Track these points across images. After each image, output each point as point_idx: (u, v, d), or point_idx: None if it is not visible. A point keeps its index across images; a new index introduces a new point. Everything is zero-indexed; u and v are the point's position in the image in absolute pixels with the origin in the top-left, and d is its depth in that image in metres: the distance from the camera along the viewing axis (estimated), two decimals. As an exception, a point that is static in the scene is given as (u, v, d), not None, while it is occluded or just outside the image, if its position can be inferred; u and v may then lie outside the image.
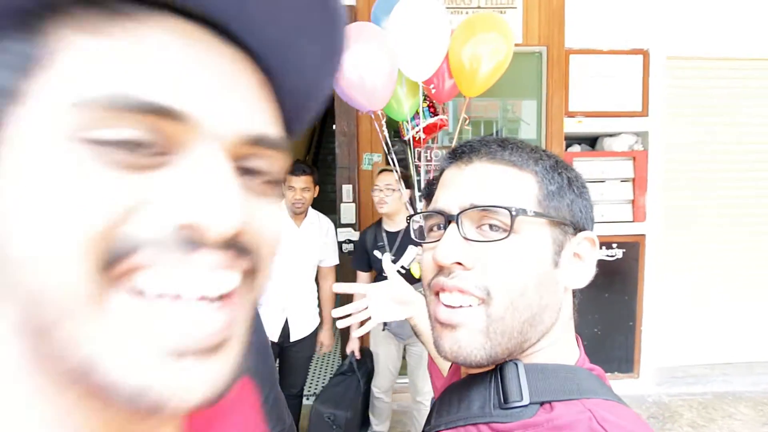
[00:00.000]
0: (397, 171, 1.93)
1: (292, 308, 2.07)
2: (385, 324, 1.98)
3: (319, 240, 2.19)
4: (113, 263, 0.20)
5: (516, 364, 0.44)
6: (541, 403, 0.42)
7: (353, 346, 2.15)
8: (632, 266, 2.91)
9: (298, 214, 2.11)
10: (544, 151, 0.48)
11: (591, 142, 3.13)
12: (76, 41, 0.20)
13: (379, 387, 2.17)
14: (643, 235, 2.90)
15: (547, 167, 0.46)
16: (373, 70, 1.59)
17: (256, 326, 0.98)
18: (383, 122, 1.92)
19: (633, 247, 2.90)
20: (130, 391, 0.21)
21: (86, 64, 0.20)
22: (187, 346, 0.21)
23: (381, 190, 1.99)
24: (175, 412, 0.21)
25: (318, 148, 7.64)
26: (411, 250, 1.88)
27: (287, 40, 0.25)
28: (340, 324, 0.81)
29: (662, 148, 2.90)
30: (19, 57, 0.20)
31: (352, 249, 2.59)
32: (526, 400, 0.42)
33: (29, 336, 0.21)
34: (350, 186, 2.71)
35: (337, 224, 2.76)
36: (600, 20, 2.81)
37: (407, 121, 1.84)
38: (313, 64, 0.26)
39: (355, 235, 2.67)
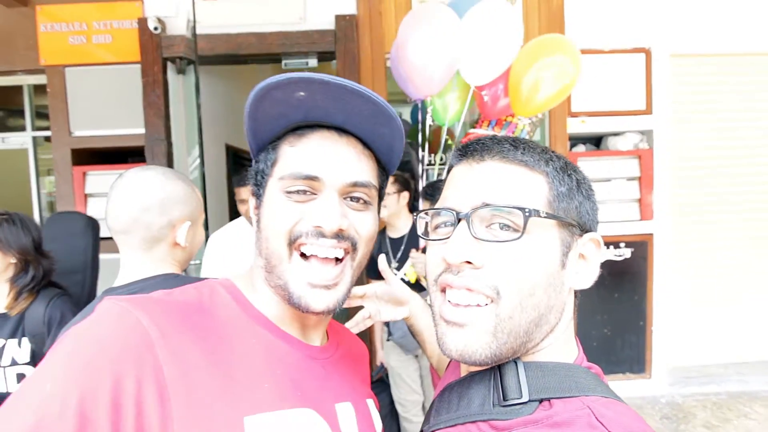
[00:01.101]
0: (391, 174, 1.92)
1: None
2: (389, 334, 1.95)
3: None
4: (293, 242, 0.51)
5: (515, 363, 0.44)
6: (540, 401, 0.42)
7: (382, 358, 2.11)
8: (641, 265, 2.89)
9: None
10: (553, 152, 0.48)
11: (596, 141, 3.12)
12: (285, 149, 0.53)
13: (401, 404, 2.04)
14: (651, 234, 2.88)
15: (558, 168, 0.45)
16: (436, 55, 1.63)
17: None
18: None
19: (641, 246, 2.88)
20: (297, 299, 0.51)
21: (287, 159, 0.52)
22: (319, 282, 0.51)
23: None
24: (316, 312, 0.52)
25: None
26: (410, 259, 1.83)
27: (376, 132, 0.53)
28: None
29: (668, 146, 2.88)
30: (272, 157, 0.54)
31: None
32: (525, 398, 0.42)
33: (267, 270, 0.53)
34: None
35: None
36: (600, 20, 2.81)
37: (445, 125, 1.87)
38: (389, 140, 0.54)
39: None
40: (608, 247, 2.89)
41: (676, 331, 3.00)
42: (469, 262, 0.43)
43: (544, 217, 0.42)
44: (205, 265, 1.84)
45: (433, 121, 1.99)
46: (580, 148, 3.00)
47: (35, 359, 1.27)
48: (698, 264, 3.04)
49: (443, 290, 0.45)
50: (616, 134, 2.93)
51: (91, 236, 1.67)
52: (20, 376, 1.27)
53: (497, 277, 0.42)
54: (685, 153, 2.97)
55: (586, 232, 0.46)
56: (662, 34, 2.80)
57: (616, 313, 2.91)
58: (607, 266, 2.89)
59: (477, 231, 0.43)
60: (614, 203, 2.88)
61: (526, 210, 0.41)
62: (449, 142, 2.11)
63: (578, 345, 0.50)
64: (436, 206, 0.47)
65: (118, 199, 0.85)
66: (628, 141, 2.88)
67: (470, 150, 0.47)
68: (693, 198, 3.00)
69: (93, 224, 1.69)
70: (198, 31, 2.71)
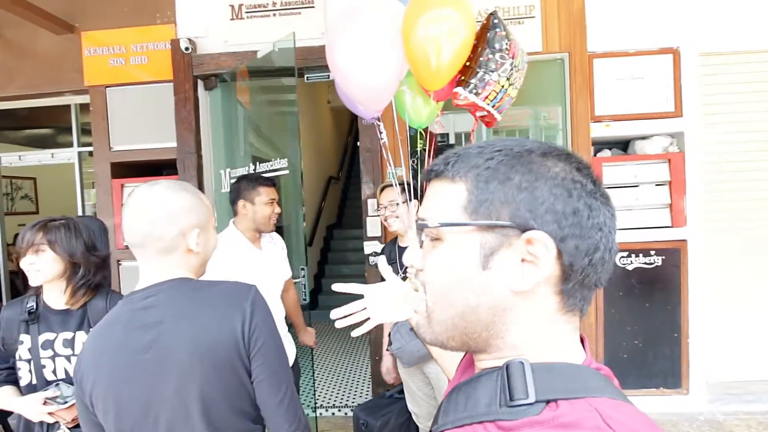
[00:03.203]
0: (397, 186, 1.84)
1: None
2: (389, 344, 1.93)
3: (281, 256, 2.10)
4: None
5: (522, 363, 0.44)
6: (547, 401, 0.42)
7: (387, 364, 2.11)
8: (674, 273, 2.75)
9: (259, 235, 1.99)
10: (498, 150, 0.47)
11: (623, 146, 3.02)
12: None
13: (416, 413, 2.01)
14: (685, 240, 2.75)
15: (480, 174, 0.46)
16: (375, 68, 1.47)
17: (274, 331, 1.04)
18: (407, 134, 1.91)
19: (673, 254, 2.75)
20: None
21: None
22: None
23: (385, 208, 1.90)
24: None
25: (351, 164, 7.83)
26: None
27: None
28: (339, 324, 0.82)
29: (700, 149, 2.76)
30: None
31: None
32: (531, 398, 0.42)
33: None
34: (375, 200, 2.77)
35: (364, 237, 2.83)
36: (624, 22, 2.74)
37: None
38: None
39: (380, 248, 2.72)
40: (638, 255, 2.78)
41: (715, 343, 2.83)
42: (413, 266, 0.52)
43: (456, 225, 0.47)
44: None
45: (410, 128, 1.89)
46: (606, 153, 2.92)
47: None
48: (737, 272, 2.86)
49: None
50: (643, 138, 2.83)
51: (105, 240, 1.80)
52: None
53: (424, 278, 0.51)
54: (719, 156, 2.83)
55: (526, 229, 0.44)
56: (690, 33, 2.71)
57: (647, 323, 2.78)
58: (638, 274, 2.78)
59: (423, 241, 0.51)
60: (643, 209, 2.78)
61: (436, 222, 0.47)
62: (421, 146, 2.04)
63: (586, 348, 0.49)
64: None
65: (131, 216, 0.91)
66: (657, 144, 2.77)
67: (426, 173, 0.54)
68: (728, 202, 2.85)
69: (105, 228, 1.82)
70: (225, 50, 2.86)
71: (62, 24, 2.86)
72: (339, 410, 2.88)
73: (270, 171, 2.62)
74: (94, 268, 1.43)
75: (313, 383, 2.72)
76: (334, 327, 2.31)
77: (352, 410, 2.17)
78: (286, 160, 2.57)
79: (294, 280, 2.32)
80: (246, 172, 2.68)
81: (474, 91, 1.54)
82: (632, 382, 2.78)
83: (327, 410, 3.12)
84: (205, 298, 0.93)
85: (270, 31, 2.81)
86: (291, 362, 2.03)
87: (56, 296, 1.41)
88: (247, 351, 0.93)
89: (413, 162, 2.73)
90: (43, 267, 1.35)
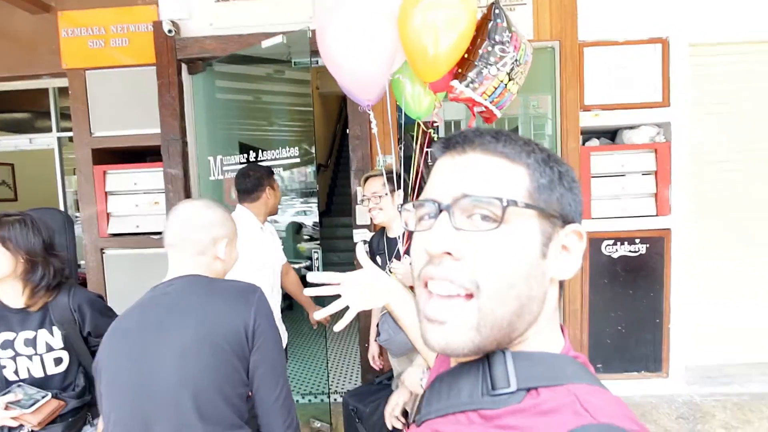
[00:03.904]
0: (384, 175, 1.80)
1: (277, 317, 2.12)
2: (378, 334, 1.93)
3: (277, 242, 2.27)
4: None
5: (504, 353, 0.45)
6: (528, 389, 0.43)
7: (373, 351, 2.14)
8: (657, 261, 2.81)
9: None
10: (536, 144, 0.48)
11: (611, 135, 3.05)
12: None
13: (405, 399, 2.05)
14: (669, 229, 2.80)
15: (539, 160, 0.46)
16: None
17: (275, 330, 1.06)
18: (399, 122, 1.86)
19: (657, 242, 2.81)
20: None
21: None
22: None
23: (369, 199, 1.87)
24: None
25: (339, 151, 7.76)
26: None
27: None
28: (308, 292, 0.80)
29: (686, 139, 2.79)
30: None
31: (367, 251, 2.64)
32: (513, 387, 0.43)
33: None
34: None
35: (353, 226, 2.82)
36: (615, 11, 2.73)
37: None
38: None
39: (369, 237, 2.71)
40: (623, 243, 2.83)
41: (694, 329, 2.92)
42: (448, 253, 0.43)
43: (523, 207, 0.43)
44: None
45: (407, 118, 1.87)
46: (594, 142, 2.94)
47: (67, 343, 1.39)
48: (718, 260, 2.94)
49: (426, 284, 0.46)
50: (631, 128, 2.86)
51: (71, 232, 1.72)
52: (57, 360, 1.38)
53: (477, 268, 0.42)
54: (705, 147, 2.87)
55: (569, 223, 0.46)
56: (680, 23, 2.71)
57: (630, 310, 2.84)
58: (622, 262, 2.83)
59: (457, 221, 0.43)
60: (629, 198, 2.81)
61: (504, 200, 0.42)
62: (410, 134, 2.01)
63: (565, 336, 0.50)
64: (420, 198, 0.48)
65: (174, 222, 1.10)
66: (644, 134, 2.80)
67: (452, 142, 0.48)
68: (713, 193, 2.90)
69: (69, 220, 1.75)
70: (210, 33, 2.77)
71: (37, 3, 2.73)
72: (328, 396, 2.91)
73: (278, 159, 2.65)
74: (52, 269, 1.36)
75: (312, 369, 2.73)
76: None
77: (341, 396, 2.19)
78: (296, 149, 2.63)
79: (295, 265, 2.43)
80: (243, 162, 2.71)
81: (471, 85, 1.47)
82: (615, 366, 2.86)
83: (316, 396, 3.15)
84: (216, 290, 1.05)
85: (256, 15, 2.73)
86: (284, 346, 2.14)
87: (12, 295, 1.34)
88: (249, 344, 1.00)
89: (400, 148, 2.71)
90: None
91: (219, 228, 1.12)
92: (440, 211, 0.44)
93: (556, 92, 2.78)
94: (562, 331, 0.50)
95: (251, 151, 2.73)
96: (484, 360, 0.46)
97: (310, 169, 4.42)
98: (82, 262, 3.21)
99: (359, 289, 0.80)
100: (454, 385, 0.47)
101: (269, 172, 2.19)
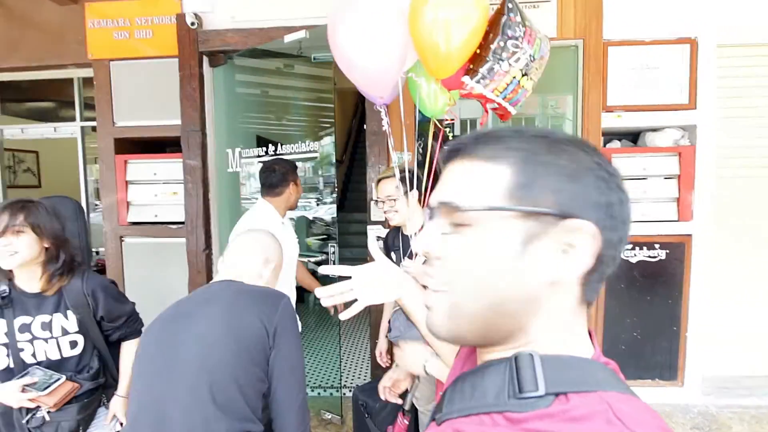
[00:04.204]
0: (397, 174, 1.78)
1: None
2: (389, 330, 1.92)
3: (294, 235, 2.33)
4: None
5: (531, 355, 0.44)
6: (557, 394, 0.41)
7: (381, 348, 2.13)
8: (676, 267, 2.75)
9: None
10: (536, 135, 0.46)
11: (633, 137, 2.98)
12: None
13: (416, 396, 1.91)
14: (690, 235, 2.73)
15: (527, 158, 0.44)
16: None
17: (297, 335, 1.11)
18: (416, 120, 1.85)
19: (677, 248, 2.74)
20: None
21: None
22: None
23: (383, 202, 1.86)
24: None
25: (354, 147, 7.77)
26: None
27: None
28: (324, 303, 0.80)
29: (712, 143, 2.71)
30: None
31: (382, 247, 2.64)
32: (541, 391, 0.41)
33: None
34: (379, 185, 2.75)
35: (367, 222, 2.83)
36: (642, 10, 2.66)
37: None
38: None
39: (384, 233, 2.71)
40: (642, 248, 2.77)
41: (713, 338, 2.85)
42: (430, 252, 0.48)
43: (486, 210, 0.44)
44: None
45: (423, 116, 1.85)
46: (615, 144, 2.88)
47: (82, 327, 1.43)
48: (740, 268, 2.85)
49: None
50: (654, 130, 2.79)
51: (82, 220, 1.73)
52: (72, 343, 1.42)
53: (447, 267, 0.47)
54: (732, 151, 2.79)
55: (571, 218, 0.43)
56: (709, 24, 2.63)
57: (647, 316, 2.79)
58: (640, 267, 2.77)
59: (440, 226, 0.47)
60: (650, 202, 2.75)
61: (462, 206, 0.44)
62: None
63: (594, 342, 0.49)
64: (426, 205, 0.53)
65: (240, 247, 1.30)
66: (668, 137, 2.73)
67: (449, 150, 0.51)
68: (737, 199, 2.82)
69: (81, 209, 1.76)
70: (231, 26, 2.80)
71: (65, -6, 2.79)
72: (340, 390, 2.93)
73: (297, 153, 2.67)
74: (68, 254, 1.40)
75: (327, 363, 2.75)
76: (334, 308, 2.30)
77: (351, 391, 2.19)
78: (317, 143, 2.65)
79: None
80: (260, 155, 2.73)
81: (482, 81, 1.42)
82: (629, 373, 2.81)
83: (326, 390, 3.17)
84: (246, 290, 1.15)
85: (278, 9, 2.74)
86: None
87: (29, 280, 1.37)
88: (270, 342, 1.06)
89: (418, 145, 2.70)
90: (22, 249, 1.30)
91: (272, 252, 1.31)
92: (430, 216, 0.49)
93: (578, 92, 2.72)
94: (591, 337, 0.49)
95: (270, 145, 2.74)
96: (512, 361, 0.45)
97: (329, 164, 4.45)
98: (99, 249, 3.28)
99: (370, 283, 0.79)
100: (478, 385, 0.47)
101: (293, 167, 2.20)
